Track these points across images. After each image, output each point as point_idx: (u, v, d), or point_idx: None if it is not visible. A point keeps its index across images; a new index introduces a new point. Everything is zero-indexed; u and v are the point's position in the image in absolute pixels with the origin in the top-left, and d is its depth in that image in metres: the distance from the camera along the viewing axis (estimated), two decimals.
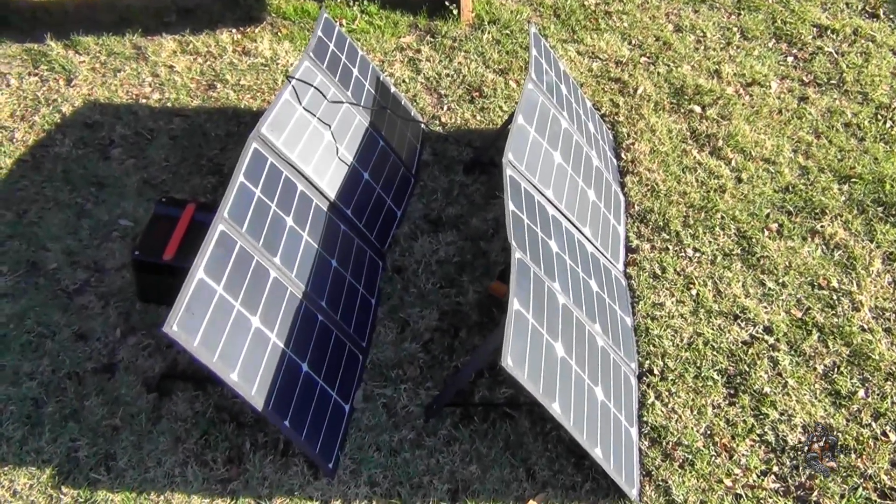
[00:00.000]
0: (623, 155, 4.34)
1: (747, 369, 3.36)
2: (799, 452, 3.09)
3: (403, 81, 4.74)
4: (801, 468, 3.05)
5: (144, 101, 4.49)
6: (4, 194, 3.93)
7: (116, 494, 2.89)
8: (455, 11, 5.22)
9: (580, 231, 3.59)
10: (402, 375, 3.31)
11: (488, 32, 5.12)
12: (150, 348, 3.34)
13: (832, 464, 3.04)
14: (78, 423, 3.08)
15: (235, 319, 2.85)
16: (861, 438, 3.13)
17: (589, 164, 3.91)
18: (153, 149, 4.22)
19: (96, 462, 2.97)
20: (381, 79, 4.31)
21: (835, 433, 3.13)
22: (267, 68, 4.75)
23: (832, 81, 4.90)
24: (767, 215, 4.03)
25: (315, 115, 3.71)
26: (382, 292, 3.62)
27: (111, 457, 2.99)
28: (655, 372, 3.35)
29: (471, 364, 3.06)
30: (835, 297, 3.66)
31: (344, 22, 5.15)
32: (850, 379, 3.34)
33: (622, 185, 4.17)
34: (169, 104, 4.48)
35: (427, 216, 3.99)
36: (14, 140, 4.20)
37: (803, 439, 3.13)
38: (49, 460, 2.97)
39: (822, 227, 3.98)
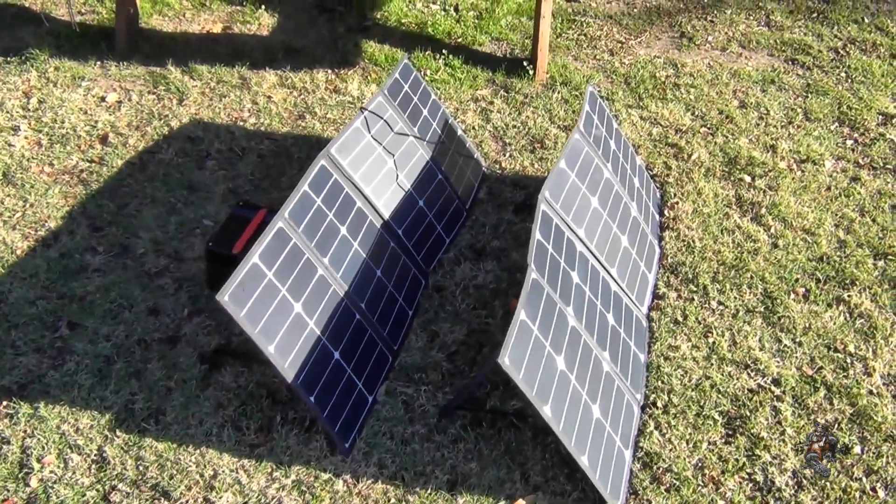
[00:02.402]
0: (666, 212, 4.62)
1: (748, 414, 3.54)
2: (784, 494, 3.24)
3: (473, 128, 5.18)
4: None
5: (242, 123, 5.09)
6: (112, 188, 4.54)
7: (160, 443, 3.32)
8: (531, 71, 5.66)
9: (606, 270, 3.88)
10: (424, 378, 3.65)
11: (559, 92, 5.53)
12: (209, 328, 3.80)
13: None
14: (139, 381, 3.55)
15: (280, 302, 3.27)
16: (849, 490, 3.25)
17: (626, 214, 4.21)
18: (242, 164, 4.78)
19: (148, 414, 3.42)
20: (450, 121, 4.76)
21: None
22: (353, 105, 5.28)
23: (888, 166, 5.06)
24: (796, 280, 4.21)
25: (381, 144, 4.17)
26: (420, 306, 3.99)
27: (161, 412, 3.43)
28: (659, 405, 3.57)
29: (482, 372, 3.38)
30: (849, 361, 3.80)
31: (428, 72, 5.66)
32: (849, 435, 3.46)
33: (660, 239, 4.44)
34: (262, 128, 5.06)
35: (473, 246, 4.36)
36: (127, 145, 4.84)
37: (791, 483, 3.28)
38: (110, 407, 3.44)
39: (849, 296, 4.13)
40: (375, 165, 4.09)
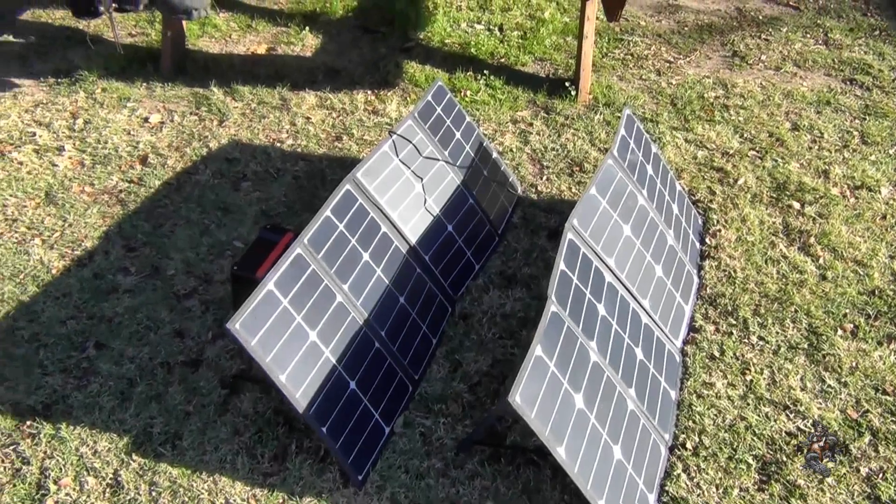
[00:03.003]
0: (707, 240, 4.44)
1: (785, 459, 3.34)
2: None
3: (511, 151, 5.09)
4: None
5: (279, 144, 5.10)
6: (148, 209, 4.59)
7: (175, 469, 3.30)
8: (573, 92, 5.54)
9: (638, 302, 3.73)
10: (444, 410, 3.56)
11: (601, 113, 5.39)
12: (233, 352, 3.79)
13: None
14: (159, 405, 3.55)
15: (294, 330, 3.23)
16: None
17: (662, 242, 4.05)
18: (276, 185, 4.78)
19: (165, 439, 3.41)
20: (484, 144, 4.68)
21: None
22: (390, 127, 5.24)
23: None
24: (844, 315, 3.99)
25: (410, 168, 4.11)
26: (445, 334, 3.90)
27: (178, 436, 3.42)
28: (689, 446, 3.40)
29: (499, 406, 3.27)
30: None
31: (468, 92, 5.59)
32: (895, 486, 3.24)
33: (699, 268, 4.26)
34: (298, 149, 5.06)
35: (503, 272, 4.26)
36: (165, 166, 4.90)
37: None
38: (129, 430, 3.44)
39: None
40: (403, 190, 4.03)
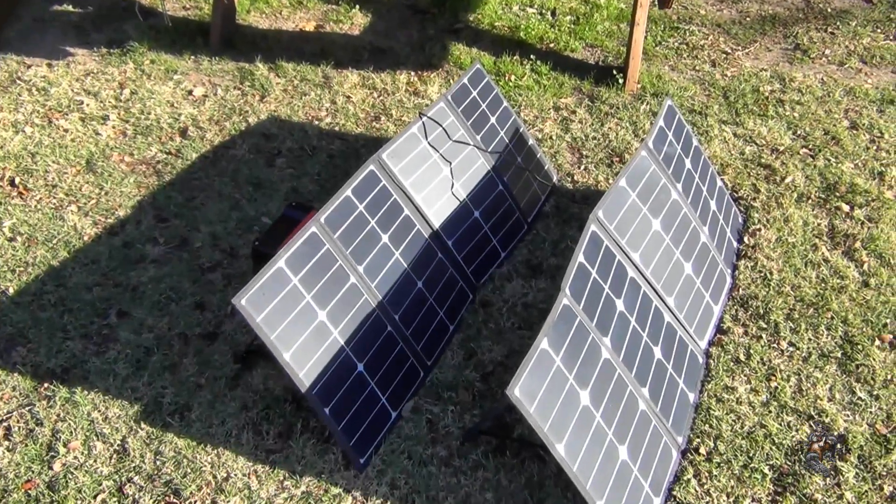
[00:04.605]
0: (746, 239, 4.26)
1: (804, 472, 3.19)
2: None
3: (550, 138, 4.97)
4: None
5: (317, 122, 5.09)
6: (183, 180, 4.64)
7: (181, 440, 3.33)
8: (621, 81, 5.38)
9: (662, 300, 3.60)
10: (454, 398, 3.51)
11: (647, 103, 5.22)
12: (248, 327, 3.79)
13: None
14: (172, 375, 3.59)
15: (303, 309, 3.21)
16: None
17: (694, 239, 3.90)
18: (310, 163, 4.78)
19: (174, 409, 3.45)
20: (520, 130, 4.58)
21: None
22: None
23: None
24: (884, 325, 3.78)
25: (438, 151, 4.05)
26: (463, 321, 3.84)
27: (188, 408, 3.45)
28: (702, 451, 3.28)
29: (501, 399, 3.19)
30: None
31: (513, 77, 5.49)
32: None
33: (734, 268, 4.10)
34: (336, 128, 5.04)
35: (528, 262, 4.17)
36: (204, 139, 4.94)
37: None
38: (140, 399, 3.49)
39: None
40: (429, 173, 3.97)
